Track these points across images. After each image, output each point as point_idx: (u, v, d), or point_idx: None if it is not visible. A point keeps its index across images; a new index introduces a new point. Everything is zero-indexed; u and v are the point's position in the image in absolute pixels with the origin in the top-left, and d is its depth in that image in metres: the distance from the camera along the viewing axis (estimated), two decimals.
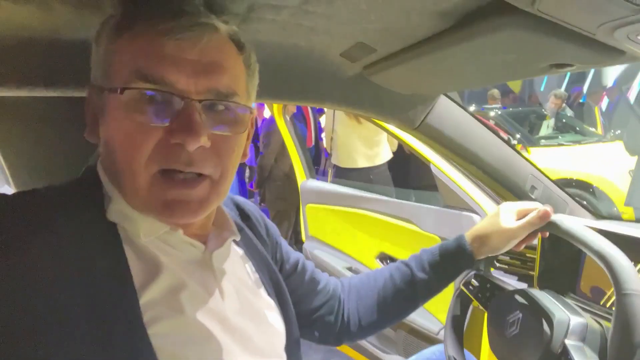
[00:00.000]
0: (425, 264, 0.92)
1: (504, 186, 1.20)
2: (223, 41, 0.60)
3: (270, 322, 0.72)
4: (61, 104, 0.73)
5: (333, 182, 2.39)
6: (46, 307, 0.50)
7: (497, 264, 1.25)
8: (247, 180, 5.93)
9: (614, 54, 0.61)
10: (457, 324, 0.98)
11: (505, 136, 5.09)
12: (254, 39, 0.77)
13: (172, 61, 0.55)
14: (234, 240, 0.74)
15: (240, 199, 0.85)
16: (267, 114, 3.81)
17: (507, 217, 0.88)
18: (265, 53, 0.83)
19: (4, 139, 0.80)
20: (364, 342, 1.94)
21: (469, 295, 0.97)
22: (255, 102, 0.74)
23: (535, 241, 1.07)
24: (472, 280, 0.97)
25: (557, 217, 0.83)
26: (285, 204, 3.60)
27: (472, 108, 6.60)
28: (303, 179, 2.30)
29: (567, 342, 0.74)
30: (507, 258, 1.25)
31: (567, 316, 0.77)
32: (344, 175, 3.06)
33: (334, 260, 2.10)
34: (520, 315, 0.83)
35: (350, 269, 2.03)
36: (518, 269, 1.20)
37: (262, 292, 0.75)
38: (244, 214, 0.82)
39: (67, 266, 0.52)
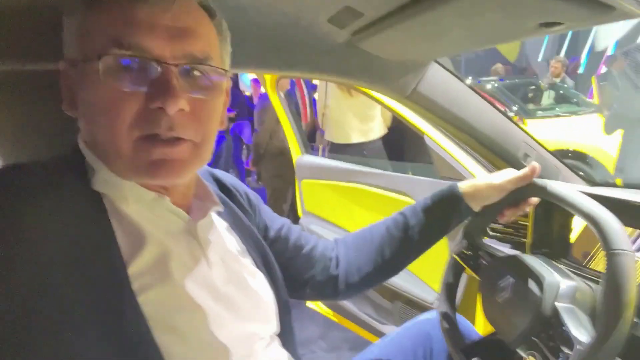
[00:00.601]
0: (418, 210, 0.94)
1: (497, 154, 1.19)
2: (194, 7, 0.60)
3: (258, 292, 0.72)
4: (49, 79, 0.72)
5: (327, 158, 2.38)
6: (33, 280, 0.50)
7: (491, 233, 1.25)
8: (244, 158, 5.93)
9: (603, 10, 0.59)
10: (449, 291, 0.99)
11: (502, 108, 5.07)
12: (238, 5, 0.75)
13: (146, 27, 0.55)
14: (218, 213, 0.74)
15: (219, 172, 0.85)
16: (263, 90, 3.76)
17: (500, 173, 0.92)
18: (251, 21, 0.81)
19: None
20: (360, 314, 1.97)
21: (462, 263, 0.98)
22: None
23: (528, 209, 1.07)
24: (464, 248, 0.98)
25: (546, 182, 0.83)
26: (282, 182, 3.58)
27: (469, 81, 6.55)
28: (298, 155, 2.29)
29: (558, 304, 0.75)
30: (500, 226, 1.25)
31: (557, 279, 0.77)
32: (338, 151, 3.04)
33: (331, 235, 2.11)
34: (512, 279, 0.83)
35: None
36: (511, 237, 1.20)
37: (249, 262, 0.75)
38: (224, 187, 0.83)
39: (54, 238, 0.52)
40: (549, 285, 0.76)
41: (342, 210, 2.06)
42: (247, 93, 6.26)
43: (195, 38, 0.58)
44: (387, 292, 1.85)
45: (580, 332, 0.70)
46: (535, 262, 0.83)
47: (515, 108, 5.54)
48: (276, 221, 0.91)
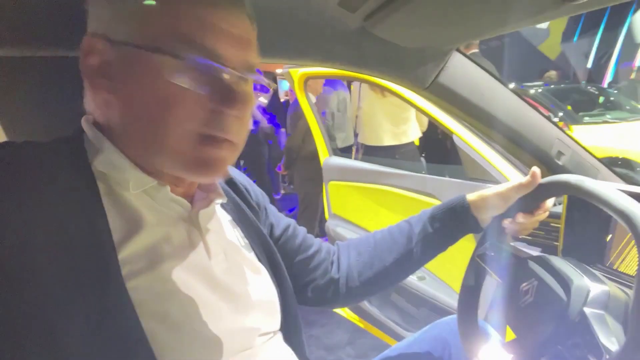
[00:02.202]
0: (424, 218, 0.92)
1: (528, 151, 1.11)
2: (249, 18, 0.62)
3: (261, 286, 0.70)
4: (60, 64, 0.72)
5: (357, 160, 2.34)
6: (16, 260, 0.49)
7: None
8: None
9: None
10: (470, 295, 0.93)
11: (546, 114, 4.86)
12: None
13: (220, 33, 0.56)
14: (222, 206, 0.73)
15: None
16: None
17: (506, 182, 0.88)
18: (259, 7, 0.79)
19: (1, 100, 0.79)
20: (386, 321, 1.90)
21: (483, 265, 0.91)
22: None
23: (560, 209, 0.99)
24: (487, 250, 0.91)
25: (577, 178, 0.76)
26: (314, 185, 3.56)
27: (511, 86, 6.35)
28: (326, 157, 2.27)
29: (587, 310, 0.67)
30: None
31: (586, 283, 0.70)
32: (370, 153, 2.99)
33: None
34: (536, 282, 0.76)
35: None
36: (542, 239, 1.12)
37: (252, 257, 0.73)
38: (229, 181, 0.82)
39: (39, 217, 0.51)
40: (577, 289, 0.69)
41: (369, 213, 2.01)
42: (282, 99, 6.29)
43: (253, 50, 0.61)
44: (412, 298, 1.78)
45: (611, 340, 0.62)
46: (563, 265, 0.75)
47: (560, 114, 5.30)
48: (282, 221, 0.90)
